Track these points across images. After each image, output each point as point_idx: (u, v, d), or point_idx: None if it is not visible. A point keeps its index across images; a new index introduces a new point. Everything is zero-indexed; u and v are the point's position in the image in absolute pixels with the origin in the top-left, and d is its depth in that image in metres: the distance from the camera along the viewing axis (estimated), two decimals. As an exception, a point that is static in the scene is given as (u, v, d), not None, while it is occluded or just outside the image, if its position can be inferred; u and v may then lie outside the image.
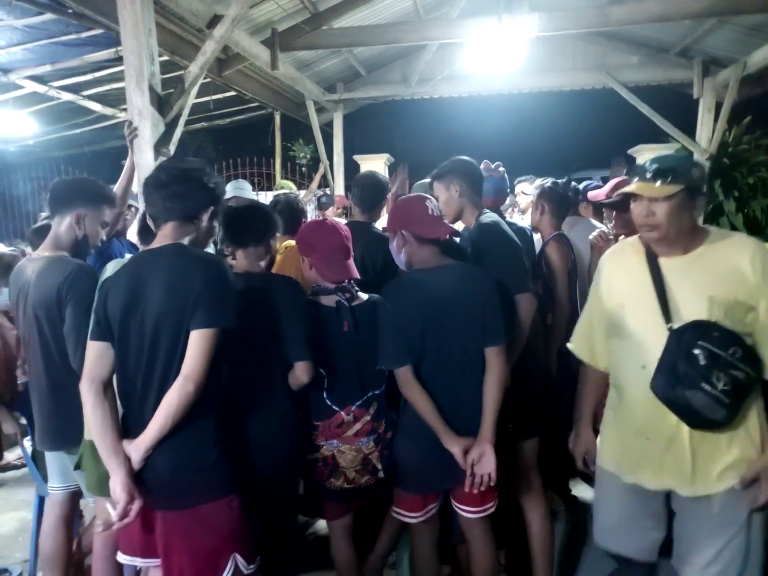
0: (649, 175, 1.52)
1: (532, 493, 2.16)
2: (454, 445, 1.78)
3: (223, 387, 1.65)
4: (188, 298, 1.48)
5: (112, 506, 1.48)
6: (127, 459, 1.50)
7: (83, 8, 3.56)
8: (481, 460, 1.77)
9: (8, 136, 6.43)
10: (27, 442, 2.47)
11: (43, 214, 3.35)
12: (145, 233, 2.00)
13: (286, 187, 5.72)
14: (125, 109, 6.21)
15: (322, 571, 2.41)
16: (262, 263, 1.94)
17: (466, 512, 1.90)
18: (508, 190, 2.81)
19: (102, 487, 1.68)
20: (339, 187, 7.06)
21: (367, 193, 2.77)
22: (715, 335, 1.45)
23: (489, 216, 2.11)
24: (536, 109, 7.80)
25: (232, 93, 6.18)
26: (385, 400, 1.96)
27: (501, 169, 2.65)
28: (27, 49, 4.38)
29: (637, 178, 1.56)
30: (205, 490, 1.54)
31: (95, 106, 5.99)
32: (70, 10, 3.69)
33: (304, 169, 8.29)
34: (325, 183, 6.83)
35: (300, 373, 1.80)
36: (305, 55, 5.71)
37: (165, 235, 1.60)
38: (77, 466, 1.91)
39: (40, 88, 5.16)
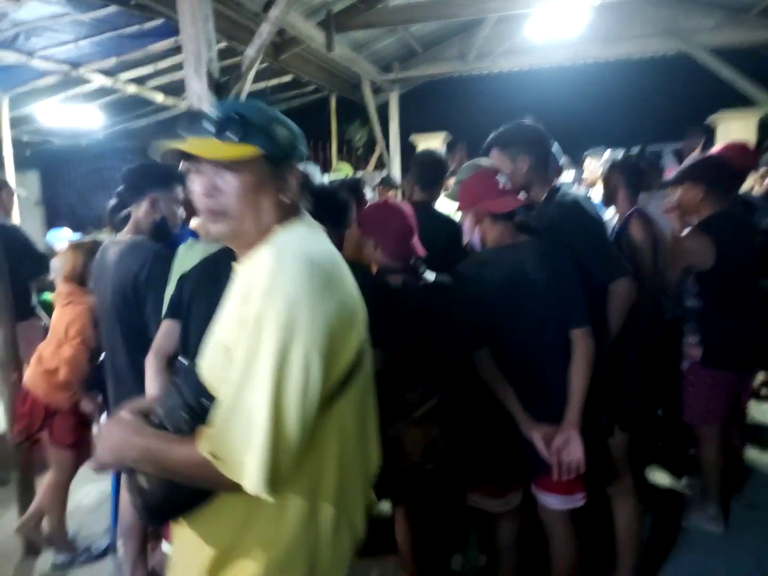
0: (210, 126, 0.98)
1: (622, 487, 2.04)
2: (533, 432, 1.69)
3: None
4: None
5: None
6: None
7: (142, -2, 3.62)
8: (567, 447, 1.68)
9: (80, 128, 6.72)
10: (103, 419, 2.57)
11: (111, 202, 3.44)
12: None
13: (344, 170, 5.68)
14: (185, 98, 6.36)
15: (387, 554, 2.40)
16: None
17: (549, 502, 1.81)
18: (560, 164, 2.59)
19: None
20: (395, 169, 6.97)
21: (426, 171, 2.67)
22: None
23: (567, 194, 1.92)
24: (602, 80, 7.38)
25: (288, 77, 6.19)
26: (452, 384, 1.89)
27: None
28: (94, 43, 4.52)
29: (190, 130, 1.00)
30: None
31: (158, 97, 6.14)
32: (132, 2, 3.76)
33: (359, 151, 8.24)
34: (381, 165, 6.76)
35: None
36: (360, 36, 5.62)
37: None
38: None
39: (107, 81, 5.33)
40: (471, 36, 6.29)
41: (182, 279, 1.66)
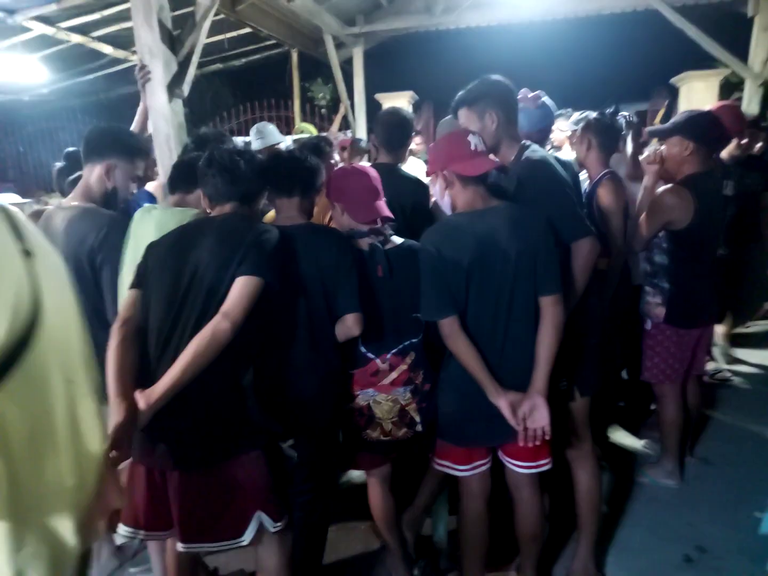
0: None
1: (582, 450, 2.06)
2: (500, 399, 1.68)
3: (263, 340, 1.62)
4: (238, 250, 1.49)
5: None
6: (134, 409, 1.35)
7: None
8: (533, 414, 1.67)
9: (20, 83, 6.26)
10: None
11: (58, 165, 3.23)
12: (176, 184, 1.96)
13: (306, 130, 5.48)
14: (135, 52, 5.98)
15: (359, 521, 2.41)
16: (305, 216, 1.84)
17: (517, 467, 1.82)
18: (551, 124, 2.51)
19: None
20: (361, 129, 6.78)
21: (392, 131, 2.56)
22: None
23: (537, 151, 1.86)
24: (569, 37, 7.25)
25: (247, 30, 5.86)
26: (423, 351, 1.86)
27: (542, 99, 2.34)
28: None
29: None
30: (228, 446, 1.48)
31: (107, 49, 5.75)
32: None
33: (323, 110, 7.98)
34: (346, 125, 6.55)
35: (351, 324, 1.75)
36: (322, -15, 5.33)
37: (222, 211, 1.67)
38: None
39: (48, 30, 4.94)
40: (437, -13, 6.06)
41: (146, 254, 1.61)
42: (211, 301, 1.46)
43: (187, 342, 1.41)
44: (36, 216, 2.51)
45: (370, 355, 1.83)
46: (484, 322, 1.72)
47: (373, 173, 1.90)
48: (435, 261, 1.69)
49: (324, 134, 5.24)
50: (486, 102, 1.86)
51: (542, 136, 2.42)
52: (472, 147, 1.69)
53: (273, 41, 6.44)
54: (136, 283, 1.58)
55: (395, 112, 2.67)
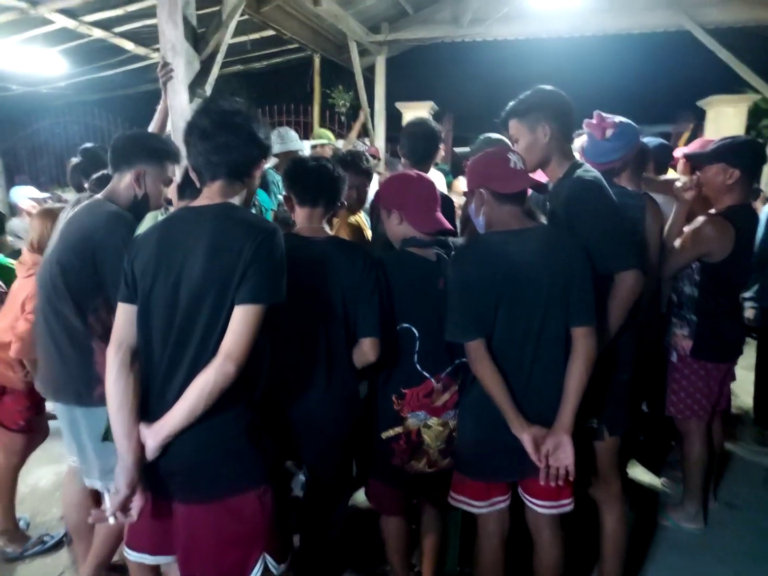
0: None
1: (610, 493, 1.94)
2: (523, 432, 1.57)
3: (270, 364, 1.46)
4: (235, 268, 1.28)
5: (110, 496, 1.33)
6: (141, 445, 1.31)
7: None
8: (557, 452, 1.56)
9: (39, 75, 6.22)
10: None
11: (74, 160, 3.15)
12: (185, 188, 1.84)
13: (324, 137, 5.39)
14: (158, 50, 5.94)
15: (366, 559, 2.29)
16: (328, 228, 1.73)
17: (537, 506, 1.70)
18: (624, 159, 2.10)
19: None
20: (380, 137, 6.69)
21: (419, 143, 2.49)
22: None
23: (590, 171, 1.74)
24: (597, 54, 7.17)
25: (269, 33, 5.79)
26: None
27: (614, 130, 2.03)
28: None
29: None
30: (234, 480, 1.36)
31: (128, 45, 5.69)
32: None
33: (342, 117, 7.90)
34: (365, 133, 6.47)
35: (368, 349, 1.65)
36: (349, -10, 5.27)
37: (212, 194, 1.39)
38: (105, 437, 1.75)
39: (70, 23, 4.89)
40: (466, -1, 5.98)
41: (132, 255, 1.40)
42: (212, 330, 1.31)
43: (190, 373, 1.29)
44: (50, 214, 2.43)
45: (425, 373, 1.72)
46: (512, 349, 1.61)
47: (432, 180, 1.83)
48: (464, 280, 1.60)
49: (361, 147, 5.19)
50: (539, 114, 1.74)
51: (606, 174, 1.95)
52: (511, 165, 1.59)
53: (295, 45, 6.38)
54: (127, 297, 1.39)
55: (422, 123, 2.58)
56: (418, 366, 1.72)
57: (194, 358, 1.31)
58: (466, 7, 5.95)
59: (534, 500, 1.71)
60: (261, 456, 1.39)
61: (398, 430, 1.73)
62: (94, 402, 1.83)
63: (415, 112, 6.46)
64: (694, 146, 2.77)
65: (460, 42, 6.43)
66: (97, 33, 5.23)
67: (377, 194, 1.90)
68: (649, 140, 2.81)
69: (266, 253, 1.31)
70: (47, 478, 2.87)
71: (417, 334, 1.72)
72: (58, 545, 2.42)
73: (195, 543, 1.36)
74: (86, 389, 1.83)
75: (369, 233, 2.55)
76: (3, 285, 2.68)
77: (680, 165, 2.82)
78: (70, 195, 3.49)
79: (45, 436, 2.46)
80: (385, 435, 1.75)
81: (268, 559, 1.39)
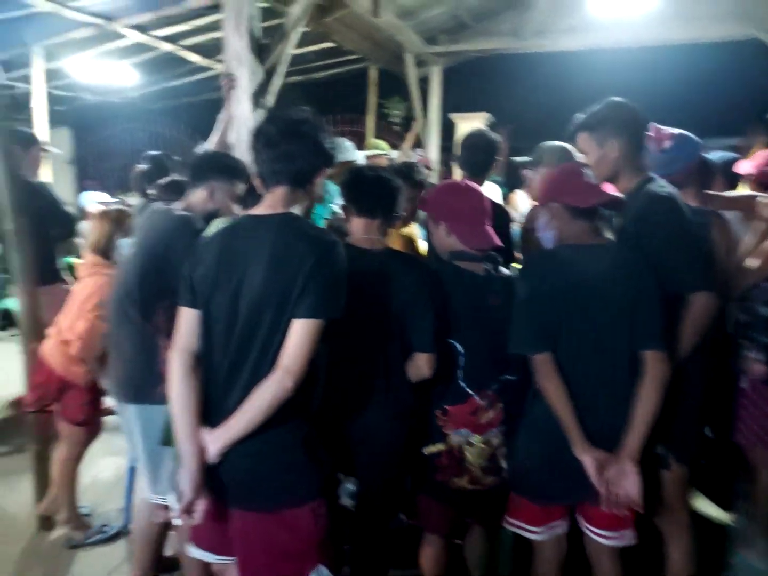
0: None
1: (678, 524, 1.84)
2: (585, 455, 1.51)
3: (325, 376, 1.46)
4: (295, 282, 1.29)
5: (175, 499, 1.35)
6: (202, 449, 1.34)
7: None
8: (622, 480, 1.49)
9: (112, 86, 6.57)
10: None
11: (141, 166, 3.29)
12: (248, 197, 1.92)
13: (379, 147, 5.43)
14: (221, 61, 6.15)
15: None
16: (385, 240, 1.73)
17: (596, 535, 1.63)
18: (680, 172, 2.03)
19: None
20: (433, 148, 6.68)
21: (478, 154, 2.46)
22: None
23: (665, 186, 1.68)
24: (663, 65, 6.93)
25: (326, 45, 5.90)
26: (518, 391, 1.72)
27: (671, 142, 1.99)
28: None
29: None
30: (289, 492, 1.37)
31: (192, 57, 5.93)
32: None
33: (396, 128, 7.95)
34: (418, 143, 6.48)
35: (423, 364, 1.63)
36: (409, 2, 5.30)
37: (274, 201, 1.41)
38: (165, 441, 1.80)
39: (142, 38, 5.14)
40: (528, 10, 5.87)
41: (194, 261, 1.43)
42: (271, 342, 1.32)
43: (250, 383, 1.32)
44: (108, 216, 2.54)
45: (470, 390, 1.69)
46: (577, 367, 1.56)
47: (482, 192, 1.81)
48: (533, 292, 1.57)
49: (417, 159, 5.20)
50: (609, 128, 1.70)
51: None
52: (586, 179, 1.55)
53: (352, 56, 6.47)
54: (189, 302, 1.42)
55: (481, 135, 2.56)
56: (463, 382, 1.69)
57: (254, 368, 1.33)
58: (528, 19, 5.85)
59: (593, 528, 1.64)
60: (316, 469, 1.39)
61: (440, 446, 1.71)
62: (154, 400, 1.88)
63: (469, 123, 6.40)
64: (759, 160, 2.62)
65: (518, 53, 6.34)
66: (166, 46, 5.47)
67: (425, 202, 1.88)
68: (717, 155, 2.69)
69: (326, 267, 1.32)
70: (107, 470, 2.97)
71: (463, 350, 1.69)
72: (116, 536, 2.51)
73: (250, 552, 1.38)
74: (148, 387, 1.89)
75: (422, 245, 2.54)
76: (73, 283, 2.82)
77: (747, 180, 2.67)
78: (133, 200, 3.63)
79: (100, 431, 2.55)
80: (427, 451, 1.72)
81: (324, 571, 1.38)
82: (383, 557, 1.80)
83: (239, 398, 1.32)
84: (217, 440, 1.32)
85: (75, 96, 7.21)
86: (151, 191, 3.35)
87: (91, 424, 2.45)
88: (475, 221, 1.74)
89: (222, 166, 2.03)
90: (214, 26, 4.97)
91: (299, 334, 1.29)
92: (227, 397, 1.35)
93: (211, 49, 5.80)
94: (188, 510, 1.33)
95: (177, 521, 1.37)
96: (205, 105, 7.31)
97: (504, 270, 1.78)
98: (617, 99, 1.75)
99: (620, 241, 1.67)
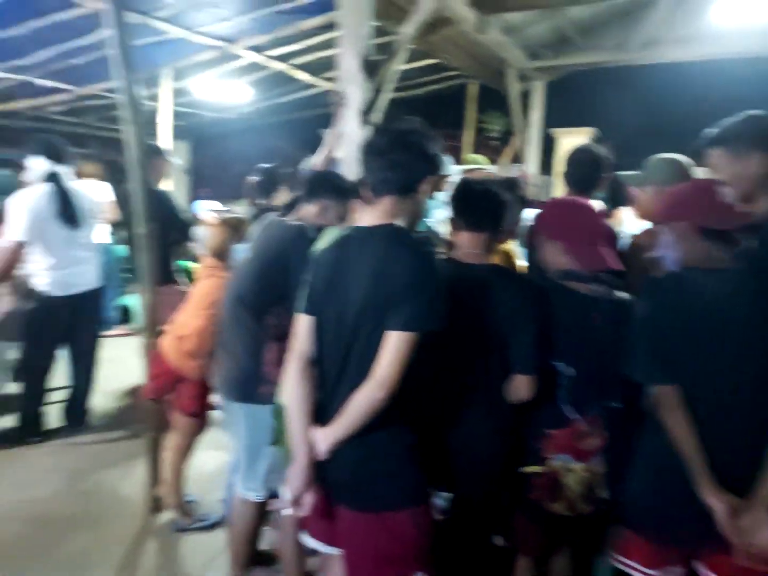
0: None
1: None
2: (714, 499, 1.38)
3: (429, 388, 1.48)
4: (392, 293, 1.33)
5: (287, 492, 1.45)
6: (312, 447, 1.43)
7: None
8: (757, 532, 1.34)
9: (229, 103, 7.08)
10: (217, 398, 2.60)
11: (254, 178, 3.51)
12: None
13: (477, 162, 5.41)
14: (327, 78, 6.43)
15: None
16: (489, 256, 1.73)
17: None
18: None
19: None
20: (533, 164, 6.55)
21: (584, 170, 2.39)
22: None
23: None
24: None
25: (429, 61, 5.99)
26: (623, 417, 1.64)
27: None
28: (249, 19, 4.63)
29: None
30: (392, 496, 1.40)
31: (302, 75, 6.24)
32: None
33: (493, 143, 7.88)
34: (517, 158, 6.39)
35: (522, 386, 1.59)
36: (514, 18, 5.26)
37: (381, 211, 1.46)
38: (275, 441, 1.90)
39: (257, 58, 5.49)
40: (637, 21, 5.62)
41: (313, 270, 1.53)
42: (369, 352, 1.37)
43: (351, 389, 1.38)
44: (228, 223, 2.74)
45: (574, 414, 1.64)
46: (705, 401, 1.44)
47: (598, 211, 1.76)
48: (657, 317, 1.48)
49: (514, 173, 5.15)
50: (747, 143, 1.60)
51: None
52: (722, 198, 1.45)
53: (453, 72, 6.51)
54: (309, 309, 1.51)
55: (588, 150, 2.48)
56: (566, 406, 1.63)
57: (355, 375, 1.39)
58: (636, 30, 5.61)
59: None
60: (418, 477, 1.43)
61: (538, 469, 1.65)
62: (259, 399, 1.99)
63: (572, 138, 6.22)
64: None
65: (624, 66, 6.08)
66: (278, 65, 5.81)
67: (538, 219, 1.85)
68: None
69: (422, 279, 1.34)
70: (210, 463, 3.11)
71: (568, 373, 1.63)
72: (215, 525, 2.67)
73: (354, 549, 1.43)
74: (254, 387, 2.00)
75: (521, 262, 2.49)
76: (186, 284, 3.05)
77: None
78: (243, 208, 3.87)
79: (207, 425, 2.72)
80: (525, 471, 1.67)
81: None
82: (476, 572, 1.78)
83: (343, 400, 1.38)
84: (325, 439, 1.40)
85: (194, 112, 7.83)
86: (261, 201, 3.56)
87: (200, 417, 2.63)
88: (591, 241, 1.69)
89: (335, 186, 2.13)
90: (324, 45, 5.23)
91: (392, 345, 1.32)
92: (334, 401, 1.42)
93: (319, 68, 6.09)
94: (298, 502, 1.41)
95: (287, 512, 1.46)
96: (312, 120, 7.67)
97: (620, 293, 1.70)
98: (755, 112, 1.63)
99: (750, 266, 1.54)
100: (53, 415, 3.69)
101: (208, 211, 4.93)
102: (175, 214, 3.92)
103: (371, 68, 2.92)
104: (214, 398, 2.61)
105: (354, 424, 1.36)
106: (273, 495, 2.06)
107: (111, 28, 2.42)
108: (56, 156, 3.53)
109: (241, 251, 2.45)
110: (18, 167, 6.20)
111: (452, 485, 1.72)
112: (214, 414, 2.74)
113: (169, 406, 2.69)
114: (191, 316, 2.56)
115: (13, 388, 3.78)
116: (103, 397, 4.08)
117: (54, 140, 3.64)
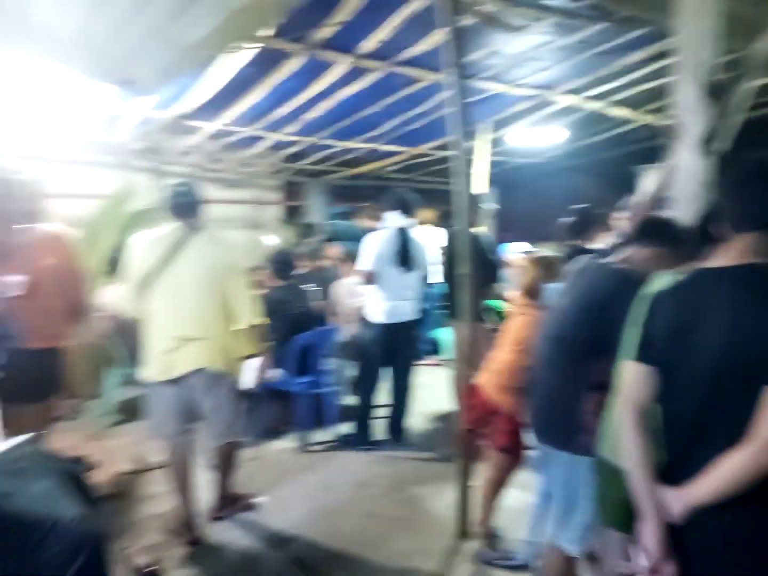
0: None
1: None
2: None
3: None
4: (764, 344, 1.18)
5: (641, 554, 1.33)
6: (663, 507, 1.30)
7: (633, 9, 3.46)
8: None
9: (540, 147, 7.26)
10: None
11: (566, 219, 3.49)
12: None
13: None
14: (648, 111, 5.99)
15: None
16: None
17: None
18: None
19: (622, 520, 1.52)
20: None
21: None
22: None
23: None
24: None
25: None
26: None
27: None
28: (568, 65, 4.68)
29: None
30: None
31: (618, 111, 5.99)
32: (617, 15, 3.66)
33: None
34: None
35: None
36: None
37: (739, 250, 1.31)
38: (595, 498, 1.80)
39: (574, 100, 5.49)
40: None
41: (652, 313, 1.42)
42: (741, 405, 1.21)
43: (716, 448, 1.22)
44: (540, 262, 2.77)
45: None
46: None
47: None
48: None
49: None
50: None
51: None
52: None
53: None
54: (645, 357, 1.42)
55: None
56: None
57: (715, 432, 1.24)
58: None
59: None
60: None
61: None
62: (577, 449, 1.92)
63: None
64: None
65: None
66: (593, 105, 5.70)
67: None
68: None
69: None
70: (518, 501, 2.99)
71: None
72: (520, 567, 2.63)
73: None
74: (572, 435, 1.94)
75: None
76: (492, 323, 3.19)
77: None
78: (551, 250, 3.86)
79: (521, 463, 2.73)
80: None
81: None
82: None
83: (702, 459, 1.25)
84: (679, 500, 1.28)
85: (504, 159, 8.25)
86: (574, 242, 3.51)
87: (512, 453, 2.67)
88: None
89: (673, 234, 1.99)
90: (649, 77, 4.92)
91: None
92: (690, 457, 1.29)
93: (640, 101, 5.74)
94: (655, 570, 1.29)
95: None
96: (621, 158, 7.28)
97: None
98: None
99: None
100: (380, 429, 4.28)
101: (517, 252, 5.10)
102: (487, 255, 4.17)
103: (716, 91, 2.60)
104: (527, 437, 2.62)
105: (722, 489, 1.22)
106: (589, 555, 1.94)
107: (452, 91, 2.76)
108: (407, 210, 4.19)
109: (554, 290, 2.44)
110: (354, 217, 7.54)
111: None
112: (527, 453, 2.75)
113: (484, 438, 2.80)
114: (505, 351, 2.66)
115: (352, 400, 4.52)
116: (419, 418, 4.60)
117: (406, 196, 4.34)
